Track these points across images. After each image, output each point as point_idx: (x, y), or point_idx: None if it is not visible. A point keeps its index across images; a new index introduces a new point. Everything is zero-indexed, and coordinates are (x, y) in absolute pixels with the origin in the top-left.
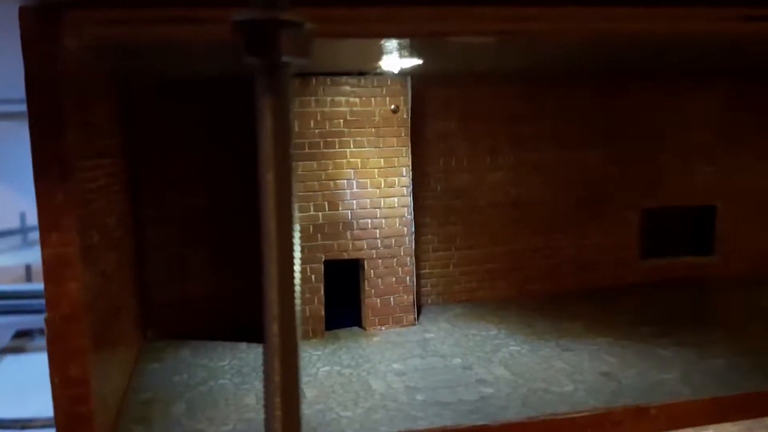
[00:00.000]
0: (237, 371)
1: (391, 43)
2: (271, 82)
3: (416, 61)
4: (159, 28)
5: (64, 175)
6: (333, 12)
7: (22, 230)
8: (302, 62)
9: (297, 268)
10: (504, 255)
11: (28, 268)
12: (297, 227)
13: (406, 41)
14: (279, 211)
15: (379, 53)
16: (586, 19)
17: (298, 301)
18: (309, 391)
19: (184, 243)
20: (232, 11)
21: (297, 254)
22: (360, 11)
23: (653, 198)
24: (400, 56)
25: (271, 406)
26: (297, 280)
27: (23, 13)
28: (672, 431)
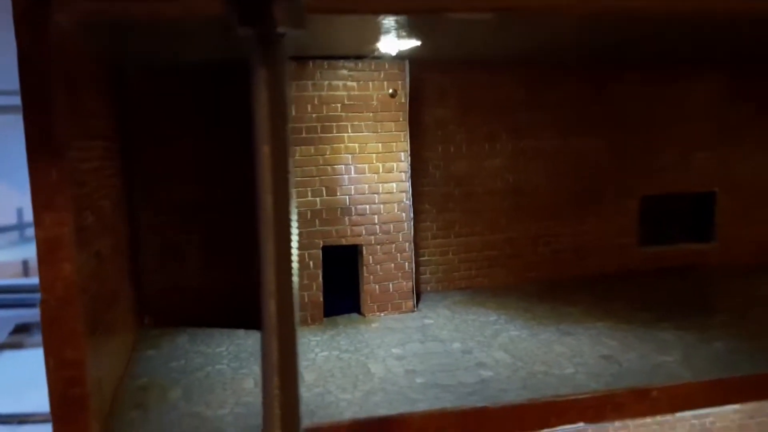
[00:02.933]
0: (235, 356)
1: (388, 21)
2: (266, 54)
3: (414, 43)
4: (150, 3)
5: (57, 154)
6: None
7: (20, 226)
8: (297, 33)
9: (294, 245)
10: (503, 242)
11: (25, 264)
12: (294, 202)
13: (403, 18)
14: (276, 186)
15: (377, 33)
16: None
17: (295, 278)
18: (308, 375)
19: (180, 229)
20: None
21: (294, 230)
22: None
23: (652, 185)
24: (398, 37)
25: (269, 386)
26: (294, 257)
27: None
28: (673, 413)
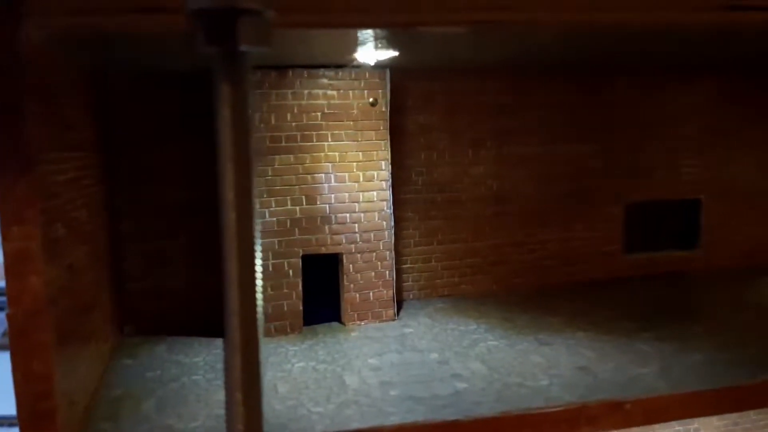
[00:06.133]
0: (211, 367)
1: (364, 34)
2: (229, 72)
3: (392, 53)
4: (124, 18)
5: (27, 168)
6: (298, 1)
7: None
8: (261, 51)
9: (258, 262)
10: (487, 249)
11: None
12: (258, 221)
13: (378, 32)
14: (238, 205)
15: (353, 44)
16: (560, 10)
17: (260, 296)
18: (282, 387)
19: (160, 237)
20: None
21: (258, 248)
22: (327, 0)
23: (638, 192)
24: (375, 48)
25: (233, 403)
26: (258, 275)
27: None
28: (648, 426)
